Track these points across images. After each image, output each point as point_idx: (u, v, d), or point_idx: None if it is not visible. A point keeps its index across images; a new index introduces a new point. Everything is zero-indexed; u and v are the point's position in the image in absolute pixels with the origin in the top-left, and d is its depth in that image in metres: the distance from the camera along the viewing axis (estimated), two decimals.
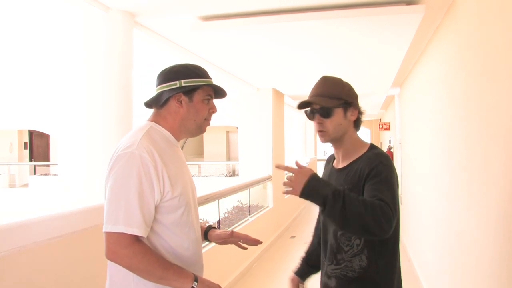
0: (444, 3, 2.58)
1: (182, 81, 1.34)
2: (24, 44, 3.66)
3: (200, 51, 3.69)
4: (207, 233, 1.58)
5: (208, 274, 1.50)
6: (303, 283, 1.67)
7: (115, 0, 2.45)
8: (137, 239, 1.20)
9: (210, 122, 1.45)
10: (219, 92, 1.44)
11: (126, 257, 1.18)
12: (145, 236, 1.23)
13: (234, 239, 1.57)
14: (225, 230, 1.63)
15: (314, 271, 1.66)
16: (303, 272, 1.68)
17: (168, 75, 1.37)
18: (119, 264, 1.20)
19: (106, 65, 2.59)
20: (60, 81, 3.00)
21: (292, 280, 1.68)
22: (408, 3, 2.55)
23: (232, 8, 2.69)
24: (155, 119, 1.39)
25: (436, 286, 3.25)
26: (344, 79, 1.49)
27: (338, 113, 1.41)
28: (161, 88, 1.37)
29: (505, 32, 1.63)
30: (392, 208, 1.19)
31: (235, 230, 1.73)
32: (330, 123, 1.42)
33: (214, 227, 1.62)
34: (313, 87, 1.48)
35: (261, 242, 1.55)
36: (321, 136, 1.46)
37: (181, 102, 1.36)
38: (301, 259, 1.71)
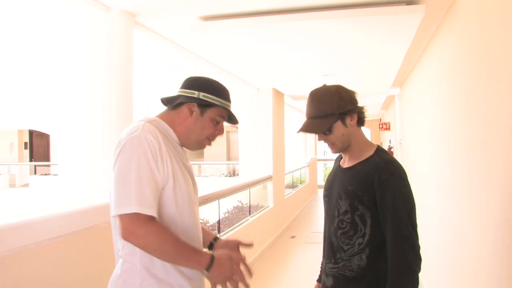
0: (445, 3, 2.58)
1: (201, 93, 1.37)
2: (24, 44, 3.66)
3: (200, 51, 3.69)
4: (212, 245, 1.56)
5: None
6: None
7: (116, 0, 2.45)
8: (151, 218, 1.21)
9: (212, 143, 1.46)
10: (231, 118, 1.46)
11: (141, 237, 1.18)
12: (156, 216, 1.23)
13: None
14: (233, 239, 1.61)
15: None
16: None
17: (192, 83, 1.40)
18: (135, 244, 1.20)
19: (107, 65, 2.59)
20: (60, 81, 3.00)
21: None
22: (409, 3, 2.55)
23: (232, 8, 2.69)
24: (163, 117, 1.41)
25: (437, 286, 3.25)
26: (343, 81, 1.48)
27: (338, 126, 1.41)
28: (181, 91, 1.40)
29: (506, 32, 1.63)
30: (416, 242, 1.32)
31: (235, 230, 1.74)
32: (333, 138, 1.43)
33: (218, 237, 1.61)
34: (306, 106, 1.47)
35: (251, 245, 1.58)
36: (331, 148, 1.47)
37: (192, 111, 1.38)
38: (321, 265, 1.69)
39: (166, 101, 1.43)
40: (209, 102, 1.37)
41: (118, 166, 1.24)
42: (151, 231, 1.19)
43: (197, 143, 1.42)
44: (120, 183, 1.22)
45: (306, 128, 1.43)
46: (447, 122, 2.78)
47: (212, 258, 1.24)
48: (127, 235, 1.19)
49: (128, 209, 1.18)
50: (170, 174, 1.28)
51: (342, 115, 1.40)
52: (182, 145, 1.43)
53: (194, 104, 1.38)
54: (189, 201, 1.35)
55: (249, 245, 1.54)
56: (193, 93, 1.37)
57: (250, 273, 1.36)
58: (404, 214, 1.31)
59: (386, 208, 1.32)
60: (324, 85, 1.47)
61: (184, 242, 1.23)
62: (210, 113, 1.39)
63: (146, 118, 1.37)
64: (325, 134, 1.43)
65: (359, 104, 1.46)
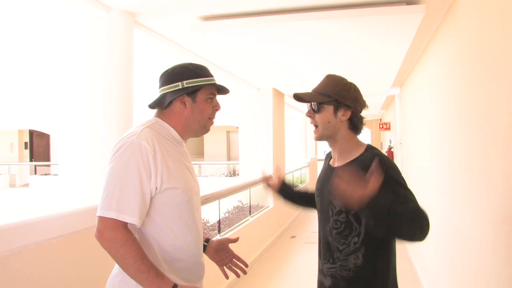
0: (445, 3, 2.58)
1: (185, 82, 1.35)
2: (25, 44, 3.67)
3: (200, 51, 3.69)
4: (205, 247, 1.57)
5: (208, 274, 1.50)
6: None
7: (116, 0, 2.45)
8: (125, 226, 1.21)
9: (214, 120, 1.46)
10: (221, 89, 1.45)
11: (108, 240, 1.19)
12: (138, 224, 1.23)
13: (229, 254, 1.61)
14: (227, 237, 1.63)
15: (289, 195, 1.78)
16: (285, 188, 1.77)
17: (170, 76, 1.38)
18: (102, 246, 1.21)
19: (107, 65, 2.59)
20: (60, 81, 3.00)
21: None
22: (409, 3, 2.55)
23: (232, 8, 2.70)
24: (160, 116, 1.40)
25: (436, 286, 3.25)
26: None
27: (327, 110, 1.42)
28: (163, 90, 1.38)
29: (506, 32, 1.63)
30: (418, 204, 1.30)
31: (235, 230, 1.75)
32: (319, 119, 1.44)
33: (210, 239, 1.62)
34: None
35: (246, 266, 1.66)
36: (314, 133, 1.49)
37: (184, 103, 1.37)
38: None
39: (154, 105, 1.42)
40: (196, 86, 1.36)
41: (108, 170, 1.25)
42: (119, 239, 1.19)
43: (201, 128, 1.42)
44: (106, 187, 1.23)
45: (301, 94, 1.47)
46: (447, 122, 2.78)
47: (174, 287, 1.20)
48: (97, 235, 1.21)
49: (108, 213, 1.20)
50: (166, 181, 1.28)
51: (337, 104, 1.41)
52: (187, 137, 1.43)
53: (183, 95, 1.36)
54: (188, 205, 1.35)
55: (235, 240, 1.62)
56: (177, 86, 1.35)
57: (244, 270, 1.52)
58: (400, 180, 1.31)
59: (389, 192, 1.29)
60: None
61: (150, 264, 1.21)
62: (200, 95, 1.38)
63: (147, 122, 1.36)
64: (313, 110, 1.45)
65: (362, 115, 1.47)
